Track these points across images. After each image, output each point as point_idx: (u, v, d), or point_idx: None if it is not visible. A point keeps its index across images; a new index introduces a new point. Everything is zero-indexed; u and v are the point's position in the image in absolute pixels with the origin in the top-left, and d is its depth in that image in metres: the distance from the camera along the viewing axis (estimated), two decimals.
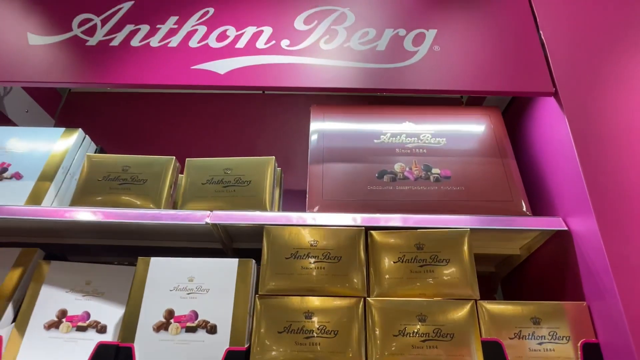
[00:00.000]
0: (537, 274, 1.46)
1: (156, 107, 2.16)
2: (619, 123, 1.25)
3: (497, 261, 1.65)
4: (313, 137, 1.47)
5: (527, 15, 1.48)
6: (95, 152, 1.63)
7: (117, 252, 1.62)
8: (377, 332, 1.11)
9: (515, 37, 1.45)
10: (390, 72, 1.38)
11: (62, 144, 1.52)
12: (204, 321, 1.15)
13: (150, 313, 1.17)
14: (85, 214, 1.27)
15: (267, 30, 1.46)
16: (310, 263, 1.19)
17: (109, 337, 1.22)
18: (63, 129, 1.57)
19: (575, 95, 1.31)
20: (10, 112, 1.86)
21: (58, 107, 2.18)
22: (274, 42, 1.44)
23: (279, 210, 1.48)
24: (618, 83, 1.31)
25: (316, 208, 1.31)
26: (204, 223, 1.25)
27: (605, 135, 1.23)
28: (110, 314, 1.26)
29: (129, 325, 1.16)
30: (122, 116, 2.14)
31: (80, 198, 1.35)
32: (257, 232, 1.33)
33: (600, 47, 1.38)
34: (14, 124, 1.88)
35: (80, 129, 1.57)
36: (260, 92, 2.16)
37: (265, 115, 2.10)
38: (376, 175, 1.37)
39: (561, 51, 1.39)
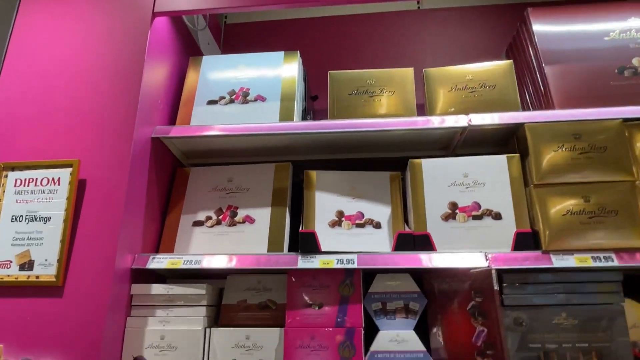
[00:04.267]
0: None
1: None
2: None
3: None
4: (540, 39, 1.50)
5: None
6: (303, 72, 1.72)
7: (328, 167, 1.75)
8: None
9: None
10: None
11: (288, 67, 1.62)
12: (487, 210, 1.30)
13: (434, 206, 1.33)
14: (359, 124, 1.39)
15: None
16: (577, 154, 1.29)
17: (384, 231, 1.39)
18: (282, 52, 1.66)
19: None
20: (202, 45, 1.96)
21: (220, 36, 2.26)
22: None
23: None
24: None
25: (566, 105, 1.39)
26: (466, 125, 1.35)
27: None
28: (379, 212, 1.43)
29: (419, 217, 1.32)
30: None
31: (338, 112, 1.47)
32: (487, 134, 1.44)
33: None
34: (202, 54, 1.98)
35: (298, 51, 1.66)
36: None
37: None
38: (616, 71, 1.41)
39: None
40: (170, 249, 1.45)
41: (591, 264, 1.19)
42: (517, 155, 1.34)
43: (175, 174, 1.62)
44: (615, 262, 1.18)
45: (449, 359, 1.23)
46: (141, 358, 1.24)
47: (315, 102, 2.03)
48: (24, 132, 1.37)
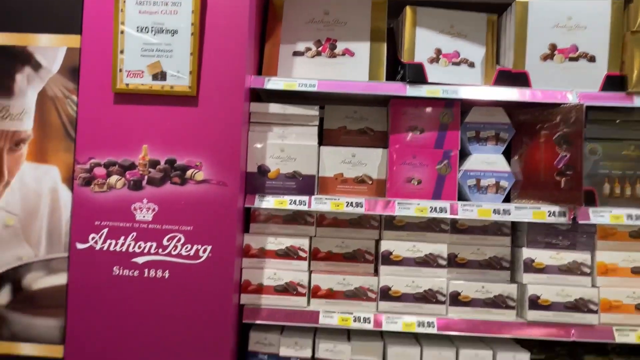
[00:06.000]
0: None
1: None
2: None
3: None
4: None
5: None
6: None
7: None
8: None
9: None
10: None
11: None
12: (584, 52, 1.40)
13: (535, 46, 1.42)
14: None
15: None
16: None
17: (477, 70, 1.50)
18: None
19: None
20: None
21: None
22: None
23: None
24: None
25: None
26: None
27: None
28: (473, 52, 1.51)
29: (519, 56, 1.42)
30: None
31: None
32: None
33: None
34: None
35: None
36: None
37: None
38: None
39: None
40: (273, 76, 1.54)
41: None
42: (622, 0, 1.40)
43: (268, 4, 1.62)
44: None
45: (527, 179, 1.46)
46: (265, 166, 1.42)
47: None
48: None
